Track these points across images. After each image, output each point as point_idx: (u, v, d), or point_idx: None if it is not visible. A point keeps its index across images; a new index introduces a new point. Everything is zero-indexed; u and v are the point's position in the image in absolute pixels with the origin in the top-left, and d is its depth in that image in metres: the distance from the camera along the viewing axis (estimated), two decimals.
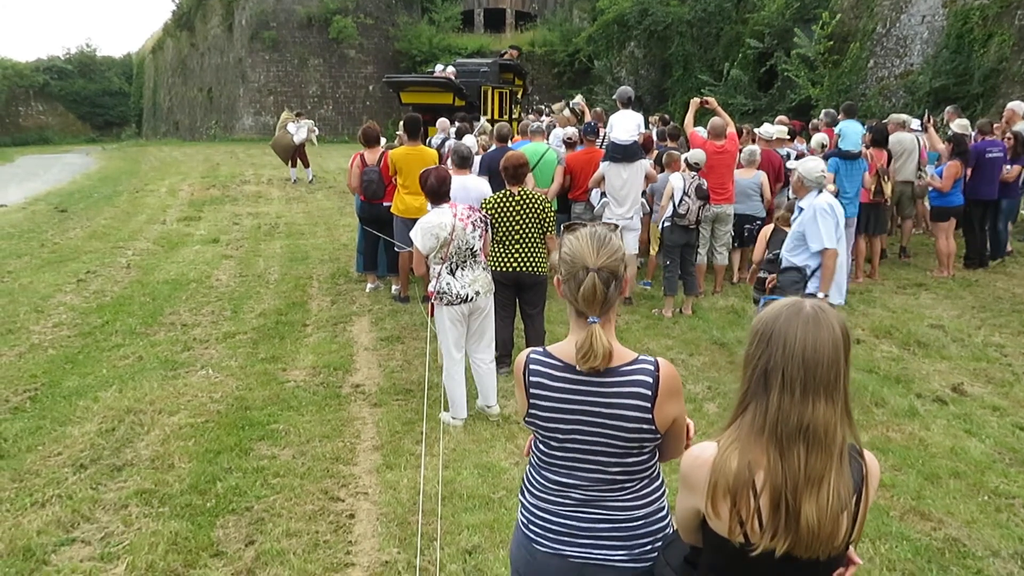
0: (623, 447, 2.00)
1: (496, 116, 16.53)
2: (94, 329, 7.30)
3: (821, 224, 5.24)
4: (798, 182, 5.44)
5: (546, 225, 5.72)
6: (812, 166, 5.38)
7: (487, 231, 5.28)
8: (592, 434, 2.00)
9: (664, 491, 2.13)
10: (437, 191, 5.19)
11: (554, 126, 11.19)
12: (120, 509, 4.11)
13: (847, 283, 8.49)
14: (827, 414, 1.60)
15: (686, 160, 7.61)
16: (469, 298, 5.08)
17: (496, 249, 5.71)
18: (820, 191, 5.37)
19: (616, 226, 2.17)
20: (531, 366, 2.08)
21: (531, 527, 2.11)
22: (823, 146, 9.13)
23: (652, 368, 1.99)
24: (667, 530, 2.08)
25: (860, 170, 8.33)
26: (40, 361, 6.46)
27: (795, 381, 1.60)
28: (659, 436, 2.01)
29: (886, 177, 8.73)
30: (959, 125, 9.31)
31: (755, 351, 1.67)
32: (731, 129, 8.31)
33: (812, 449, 1.60)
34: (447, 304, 5.06)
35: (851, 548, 1.74)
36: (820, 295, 5.40)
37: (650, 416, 1.96)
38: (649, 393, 1.96)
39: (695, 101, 8.76)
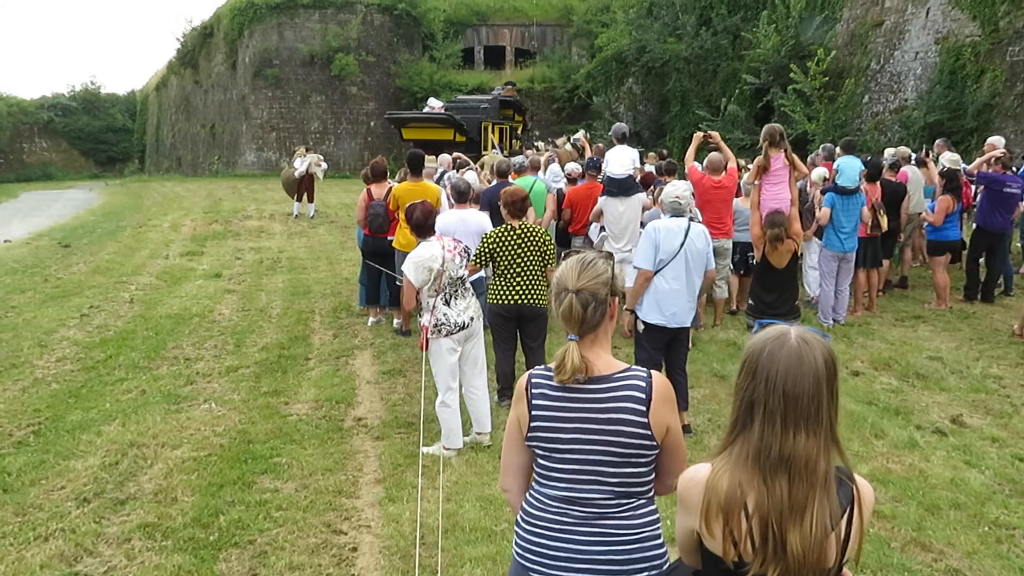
0: (621, 455, 2.06)
1: None
2: (97, 363, 7.34)
3: (641, 244, 5.36)
4: (660, 203, 5.52)
5: (547, 258, 5.77)
6: (669, 191, 5.44)
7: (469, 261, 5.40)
8: (591, 442, 2.07)
9: (659, 522, 2.17)
10: (423, 225, 5.25)
11: (553, 160, 11.34)
12: (123, 543, 4.12)
13: (844, 315, 8.61)
14: (808, 446, 1.66)
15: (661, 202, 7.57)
16: (466, 324, 5.17)
17: (497, 282, 5.77)
18: (680, 215, 5.33)
19: (610, 255, 2.29)
20: (533, 379, 2.18)
21: (527, 555, 2.15)
22: (824, 180, 9.23)
23: (644, 374, 2.11)
24: (662, 559, 2.12)
25: (858, 205, 8.40)
26: (44, 395, 6.49)
27: (776, 414, 1.67)
28: (656, 445, 2.08)
29: (881, 211, 8.83)
30: (949, 159, 9.44)
31: (742, 382, 1.74)
32: (732, 164, 8.36)
33: (794, 479, 1.66)
34: (447, 335, 5.10)
35: (845, 569, 1.77)
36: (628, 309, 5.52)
37: (646, 420, 2.05)
38: (643, 396, 2.06)
39: (698, 135, 8.60)
